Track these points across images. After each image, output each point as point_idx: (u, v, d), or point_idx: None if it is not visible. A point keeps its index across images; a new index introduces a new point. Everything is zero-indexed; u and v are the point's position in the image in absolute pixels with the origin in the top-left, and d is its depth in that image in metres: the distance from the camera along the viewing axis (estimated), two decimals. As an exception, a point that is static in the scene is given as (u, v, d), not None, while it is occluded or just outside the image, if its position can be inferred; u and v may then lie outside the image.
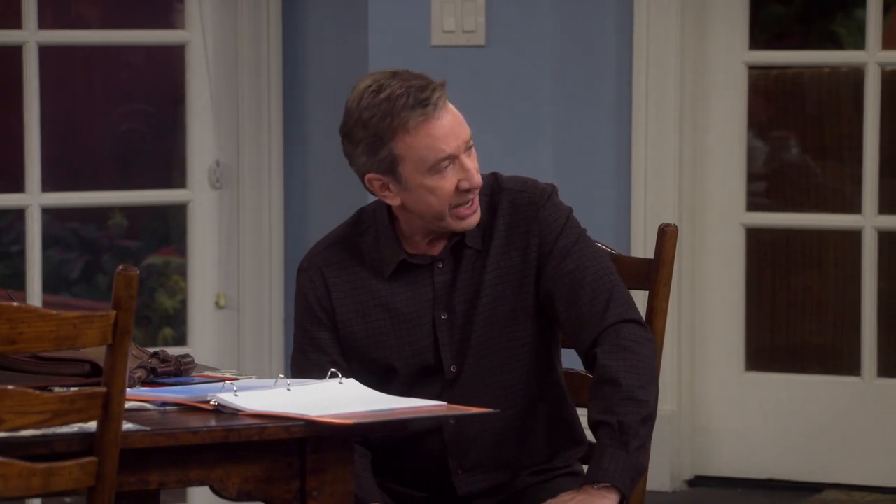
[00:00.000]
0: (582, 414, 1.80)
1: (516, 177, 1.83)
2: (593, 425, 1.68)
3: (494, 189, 1.79)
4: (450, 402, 1.68)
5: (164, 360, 1.92)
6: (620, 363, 1.68)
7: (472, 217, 1.75)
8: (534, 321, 1.78)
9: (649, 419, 1.69)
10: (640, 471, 1.70)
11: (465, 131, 1.74)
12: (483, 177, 1.78)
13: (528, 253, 1.76)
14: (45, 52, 3.52)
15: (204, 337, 3.63)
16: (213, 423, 1.58)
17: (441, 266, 1.78)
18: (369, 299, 1.79)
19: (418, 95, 1.70)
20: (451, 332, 1.77)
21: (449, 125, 1.72)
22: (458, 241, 1.77)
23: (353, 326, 1.78)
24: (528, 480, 1.77)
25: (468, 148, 1.74)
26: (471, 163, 1.73)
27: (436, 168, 1.70)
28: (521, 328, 1.77)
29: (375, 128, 1.70)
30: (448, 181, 1.71)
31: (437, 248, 1.78)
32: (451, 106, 1.74)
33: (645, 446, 1.69)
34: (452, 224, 1.74)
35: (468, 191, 1.72)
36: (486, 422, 1.72)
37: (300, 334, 1.82)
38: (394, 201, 1.74)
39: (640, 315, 1.76)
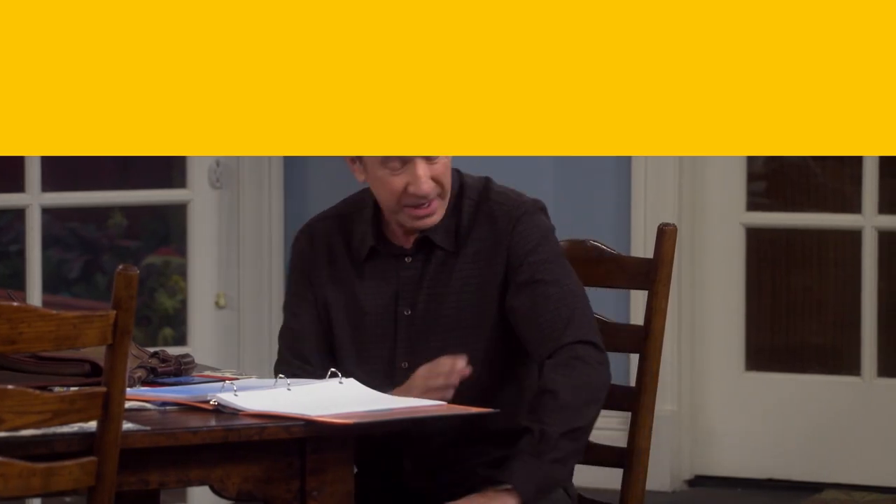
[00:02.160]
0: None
1: (506, 189, 1.82)
2: (521, 430, 1.66)
3: (482, 196, 1.79)
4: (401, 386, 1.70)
5: (164, 359, 1.91)
6: (563, 378, 1.66)
7: (428, 219, 1.74)
8: (496, 332, 1.75)
9: (579, 435, 1.67)
10: (551, 482, 1.67)
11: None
12: (474, 179, 1.80)
13: (497, 265, 1.75)
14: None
15: (204, 337, 3.63)
16: (213, 422, 1.58)
17: (409, 260, 1.78)
18: (342, 278, 1.80)
19: None
20: (409, 328, 1.77)
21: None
22: (425, 238, 1.76)
23: (327, 297, 1.80)
24: (476, 482, 1.71)
25: (429, 157, 1.73)
26: (424, 171, 1.71)
27: (386, 163, 1.72)
28: (481, 337, 1.74)
29: None
30: (397, 181, 1.72)
31: (409, 242, 1.79)
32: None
33: (564, 461, 1.66)
34: (405, 220, 1.74)
35: (417, 196, 1.72)
36: (443, 423, 1.69)
37: (288, 291, 1.88)
38: (360, 177, 1.78)
39: (600, 339, 1.73)
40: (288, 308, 1.87)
